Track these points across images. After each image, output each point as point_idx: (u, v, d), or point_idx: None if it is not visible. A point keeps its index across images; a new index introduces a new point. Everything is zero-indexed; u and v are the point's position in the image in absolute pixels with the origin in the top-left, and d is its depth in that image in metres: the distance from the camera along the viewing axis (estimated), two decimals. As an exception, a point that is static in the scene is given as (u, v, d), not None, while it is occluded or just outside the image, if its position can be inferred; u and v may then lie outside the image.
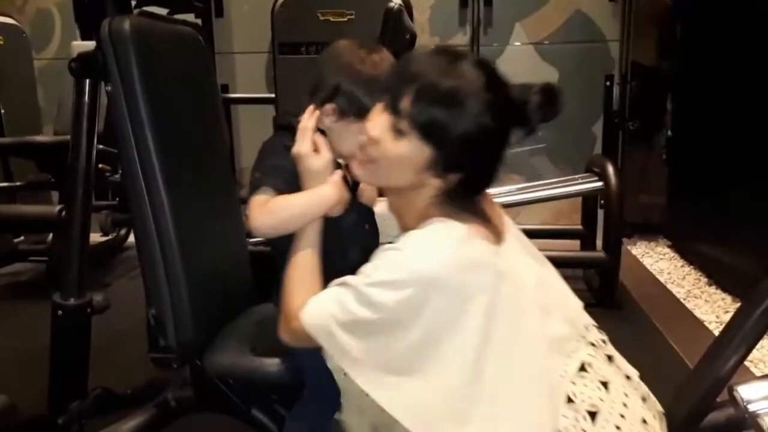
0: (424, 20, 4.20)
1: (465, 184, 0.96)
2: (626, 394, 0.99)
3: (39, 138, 3.39)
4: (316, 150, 1.06)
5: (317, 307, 0.97)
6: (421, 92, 0.90)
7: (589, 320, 1.08)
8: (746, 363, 2.20)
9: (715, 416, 1.17)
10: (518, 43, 3.93)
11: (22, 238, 3.49)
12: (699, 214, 3.34)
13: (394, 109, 0.93)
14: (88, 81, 1.37)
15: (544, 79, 0.98)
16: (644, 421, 0.98)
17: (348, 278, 0.95)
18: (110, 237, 3.60)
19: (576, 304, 1.09)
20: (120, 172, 2.67)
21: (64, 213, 1.68)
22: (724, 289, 2.98)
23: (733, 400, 1.14)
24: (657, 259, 3.53)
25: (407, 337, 0.90)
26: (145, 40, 1.20)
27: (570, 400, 0.94)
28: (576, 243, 3.19)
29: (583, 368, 0.98)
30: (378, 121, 0.95)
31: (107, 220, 3.22)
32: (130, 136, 1.19)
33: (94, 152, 1.42)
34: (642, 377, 1.06)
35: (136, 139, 1.18)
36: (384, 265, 0.93)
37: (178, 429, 1.44)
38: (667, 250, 3.65)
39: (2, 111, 3.61)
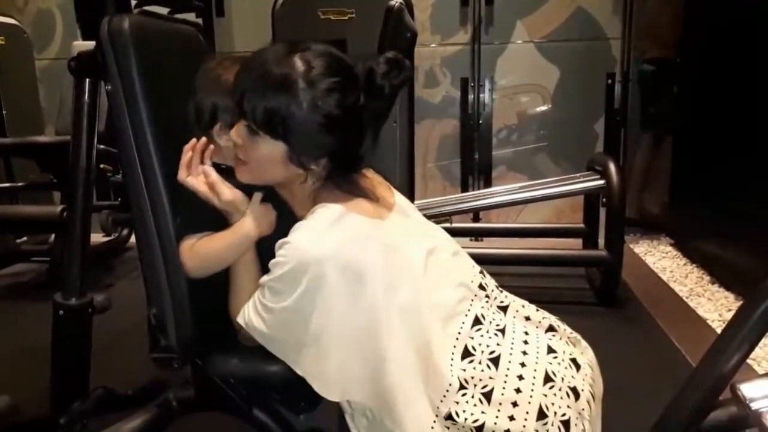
0: (425, 18, 4.20)
1: (337, 167, 1.02)
2: (526, 332, 1.06)
3: (40, 138, 3.40)
4: (211, 188, 1.09)
5: (247, 310, 1.07)
6: (252, 88, 0.96)
7: (486, 279, 1.14)
8: (749, 361, 2.20)
9: (718, 414, 1.16)
10: (519, 41, 3.93)
11: (24, 238, 3.50)
12: (701, 212, 3.34)
13: (241, 111, 0.98)
14: (87, 80, 1.37)
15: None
16: (551, 350, 1.04)
17: (262, 278, 1.03)
18: (112, 237, 3.60)
19: (469, 266, 1.15)
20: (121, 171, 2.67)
21: (65, 213, 1.68)
22: (727, 288, 2.97)
23: (735, 398, 1.14)
24: (659, 258, 3.52)
25: (311, 321, 0.98)
26: (145, 39, 1.20)
27: (469, 353, 1.00)
28: (578, 241, 3.19)
29: (477, 321, 1.05)
30: (237, 128, 1.01)
31: (108, 220, 3.22)
32: (130, 135, 1.18)
33: (95, 152, 1.42)
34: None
35: (136, 138, 1.17)
36: (278, 260, 0.98)
37: (179, 429, 1.44)
38: (670, 248, 3.65)
39: (4, 111, 3.62)
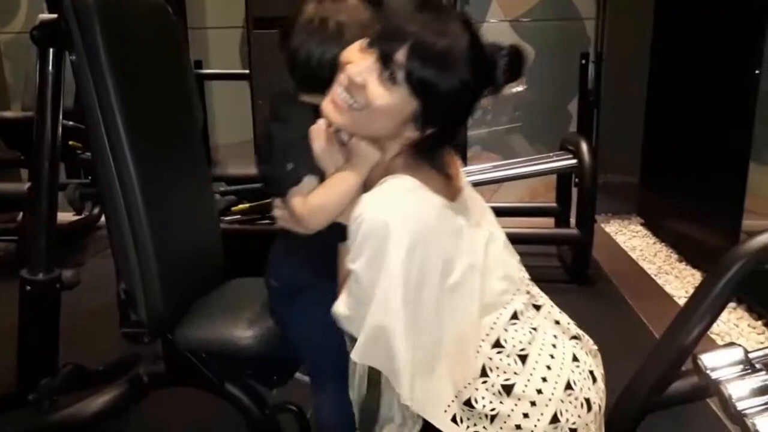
0: (400, -4, 4.15)
1: (437, 138, 0.99)
2: (555, 336, 1.06)
3: (5, 114, 3.32)
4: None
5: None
6: (417, 47, 0.89)
7: (526, 275, 1.14)
8: (712, 336, 2.27)
9: (680, 384, 1.20)
10: (494, 20, 3.92)
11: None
12: (670, 192, 3.40)
13: (385, 58, 0.91)
14: (51, 50, 1.33)
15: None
16: (575, 358, 1.04)
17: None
18: (83, 215, 3.54)
19: (515, 260, 1.14)
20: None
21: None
22: (694, 265, 3.04)
23: (696, 369, 1.17)
24: (630, 237, 3.58)
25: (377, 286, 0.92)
26: (110, 8, 1.17)
27: (499, 345, 1.00)
28: (550, 220, 3.23)
29: (515, 316, 1.04)
30: (362, 66, 0.92)
31: (75, 194, 3.16)
32: (97, 109, 1.16)
33: (60, 123, 1.38)
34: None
35: (103, 112, 1.15)
36: (354, 241, 0.93)
37: (151, 404, 1.43)
38: (640, 227, 3.71)
39: (-33, 86, 3.51)
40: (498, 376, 0.98)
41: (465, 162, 4.04)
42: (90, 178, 3.48)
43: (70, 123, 2.58)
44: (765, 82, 2.70)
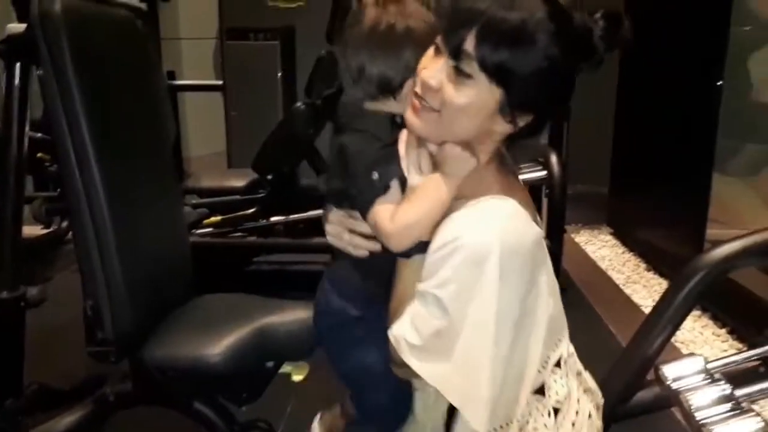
0: (374, 9, 4.19)
1: (533, 126, 0.89)
2: (584, 390, 1.03)
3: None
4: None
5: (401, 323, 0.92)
6: (485, 29, 0.80)
7: None
8: (677, 344, 2.32)
9: (644, 394, 1.22)
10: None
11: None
12: (638, 202, 3.47)
13: (454, 52, 0.82)
14: (18, 64, 1.32)
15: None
16: (589, 416, 1.02)
17: (421, 285, 0.89)
18: (51, 229, 3.48)
19: None
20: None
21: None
22: (661, 274, 3.11)
23: (658, 379, 1.20)
24: (599, 247, 3.65)
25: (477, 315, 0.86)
26: (78, 21, 1.16)
27: (542, 392, 0.94)
28: (522, 231, 3.26)
29: (558, 363, 0.97)
30: (434, 68, 0.85)
31: (41, 209, 3.10)
32: (64, 123, 1.15)
33: (26, 137, 1.37)
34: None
35: (70, 126, 1.14)
36: (443, 254, 0.86)
37: (118, 424, 1.41)
38: (610, 237, 3.78)
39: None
40: (534, 428, 0.93)
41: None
42: (58, 191, 3.43)
43: (39, 134, 2.55)
44: (727, 94, 2.79)
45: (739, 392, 1.09)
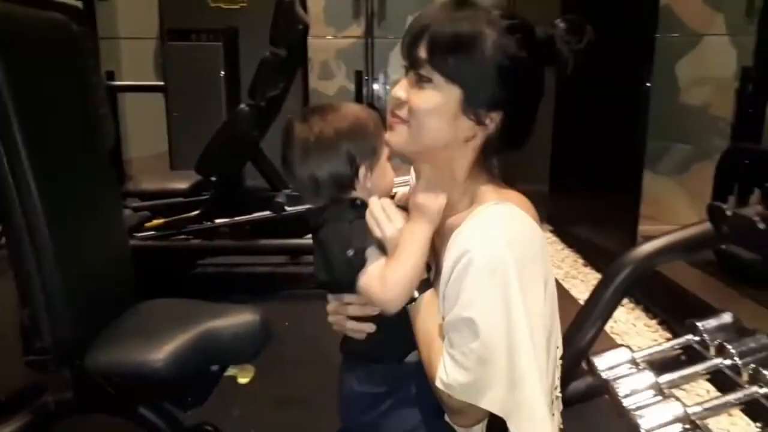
0: (319, 10, 4.20)
1: (508, 130, 0.91)
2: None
3: None
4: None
5: (443, 366, 0.89)
6: (433, 35, 0.87)
7: None
8: (612, 335, 2.43)
9: (577, 385, 1.29)
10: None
11: None
12: (576, 200, 3.61)
13: (412, 61, 0.89)
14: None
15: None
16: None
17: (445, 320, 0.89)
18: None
19: None
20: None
21: None
22: (598, 270, 3.24)
23: (590, 369, 1.27)
24: (540, 244, 3.77)
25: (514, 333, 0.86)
26: (7, 25, 1.14)
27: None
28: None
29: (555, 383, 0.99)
30: (401, 84, 0.92)
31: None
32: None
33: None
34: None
35: (1, 131, 1.11)
36: (460, 274, 0.86)
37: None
38: (550, 234, 3.91)
39: None
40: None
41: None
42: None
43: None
44: (657, 97, 2.93)
45: (662, 379, 1.16)
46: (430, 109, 0.89)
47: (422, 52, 0.87)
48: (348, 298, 1.00)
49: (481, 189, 0.94)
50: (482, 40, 0.86)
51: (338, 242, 0.95)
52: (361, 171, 0.98)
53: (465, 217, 0.91)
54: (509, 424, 0.87)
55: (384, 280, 0.91)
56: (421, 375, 0.95)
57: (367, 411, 1.02)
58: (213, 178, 3.07)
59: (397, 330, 0.98)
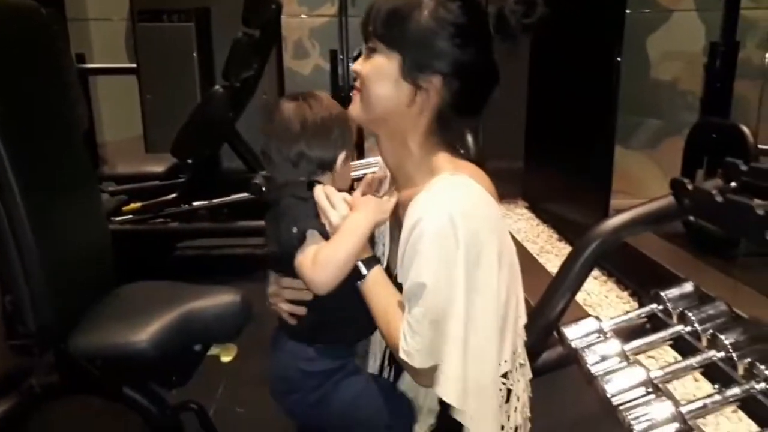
0: (292, -11, 4.16)
1: (455, 95, 0.96)
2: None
3: None
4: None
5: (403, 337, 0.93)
6: (378, 9, 0.95)
7: None
8: (585, 308, 2.51)
9: (548, 355, 1.34)
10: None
11: None
12: (550, 176, 3.67)
13: (365, 36, 0.98)
14: None
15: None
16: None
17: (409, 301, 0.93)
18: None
19: None
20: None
21: None
22: (571, 244, 3.31)
23: (561, 339, 1.32)
24: (516, 220, 3.83)
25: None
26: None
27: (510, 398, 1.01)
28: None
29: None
30: (359, 60, 1.00)
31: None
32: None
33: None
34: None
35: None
36: (414, 237, 0.90)
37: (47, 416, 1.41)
38: (525, 210, 3.97)
39: None
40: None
41: (362, 154, 4.13)
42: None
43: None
44: (627, 73, 2.98)
45: (627, 347, 1.22)
46: (374, 75, 0.96)
47: (370, 27, 0.96)
48: (286, 281, 1.04)
49: (437, 161, 0.99)
50: (420, 9, 0.93)
51: (289, 218, 0.99)
52: (341, 158, 1.04)
53: (423, 189, 0.95)
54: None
55: (315, 260, 0.95)
56: None
57: (317, 389, 1.04)
58: (189, 161, 3.06)
59: (345, 313, 1.02)
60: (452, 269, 0.89)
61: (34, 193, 1.18)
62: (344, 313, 1.03)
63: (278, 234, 0.99)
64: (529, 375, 1.08)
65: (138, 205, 2.94)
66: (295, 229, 0.98)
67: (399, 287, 0.96)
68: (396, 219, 1.01)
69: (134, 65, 3.84)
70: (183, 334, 1.27)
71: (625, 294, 2.74)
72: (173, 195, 2.99)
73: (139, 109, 3.91)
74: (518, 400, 1.05)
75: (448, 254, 0.88)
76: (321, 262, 0.95)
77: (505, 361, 1.01)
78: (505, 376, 1.01)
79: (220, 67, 2.96)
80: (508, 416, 1.03)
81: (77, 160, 1.41)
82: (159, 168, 3.12)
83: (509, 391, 1.03)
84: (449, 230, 0.88)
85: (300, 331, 1.06)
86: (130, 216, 2.92)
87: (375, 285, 0.98)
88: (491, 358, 0.95)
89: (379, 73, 0.95)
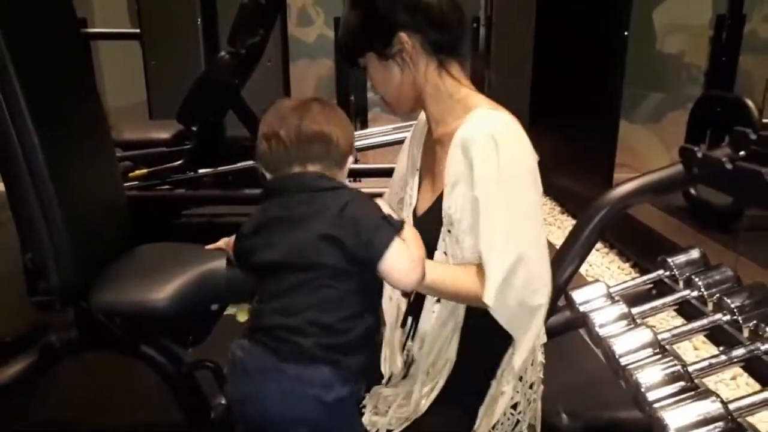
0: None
1: (424, 35, 1.03)
2: None
3: None
4: None
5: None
6: (342, 43, 1.09)
7: None
8: (588, 279, 2.54)
9: (556, 319, 1.38)
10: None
11: None
12: (554, 149, 3.67)
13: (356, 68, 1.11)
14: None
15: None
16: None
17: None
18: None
19: None
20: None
21: None
22: (574, 216, 3.34)
23: (568, 304, 1.36)
24: (518, 192, 3.85)
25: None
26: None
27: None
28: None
29: None
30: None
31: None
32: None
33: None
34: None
35: (1, 79, 1.13)
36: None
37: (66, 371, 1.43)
38: (527, 183, 3.99)
39: None
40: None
41: (366, 124, 4.13)
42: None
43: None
44: (634, 46, 2.97)
45: (635, 310, 1.26)
46: (380, 84, 1.09)
47: (346, 58, 1.11)
48: None
49: (474, 100, 1.06)
50: (354, 11, 1.05)
51: (366, 207, 0.97)
52: (350, 158, 1.06)
53: (462, 123, 1.01)
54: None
55: (413, 259, 0.94)
56: None
57: (342, 416, 0.98)
58: (194, 128, 3.06)
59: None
60: (501, 186, 0.98)
61: (56, 153, 1.19)
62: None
63: (360, 220, 0.94)
64: (544, 338, 1.11)
65: (144, 171, 2.94)
66: (378, 221, 0.94)
67: (438, 220, 1.03)
68: (437, 160, 1.08)
69: (137, 30, 3.81)
70: (200, 294, 1.29)
71: (627, 265, 2.78)
72: (179, 162, 2.99)
73: (142, 75, 3.89)
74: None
75: (496, 171, 0.97)
76: (418, 259, 0.95)
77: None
78: None
79: (224, 33, 2.94)
80: (525, 369, 1.06)
81: (96, 120, 1.43)
82: (164, 134, 3.12)
83: None
84: (501, 136, 0.97)
85: (307, 350, 0.94)
86: (137, 182, 2.93)
87: (433, 268, 0.99)
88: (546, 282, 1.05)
89: (379, 78, 1.08)
